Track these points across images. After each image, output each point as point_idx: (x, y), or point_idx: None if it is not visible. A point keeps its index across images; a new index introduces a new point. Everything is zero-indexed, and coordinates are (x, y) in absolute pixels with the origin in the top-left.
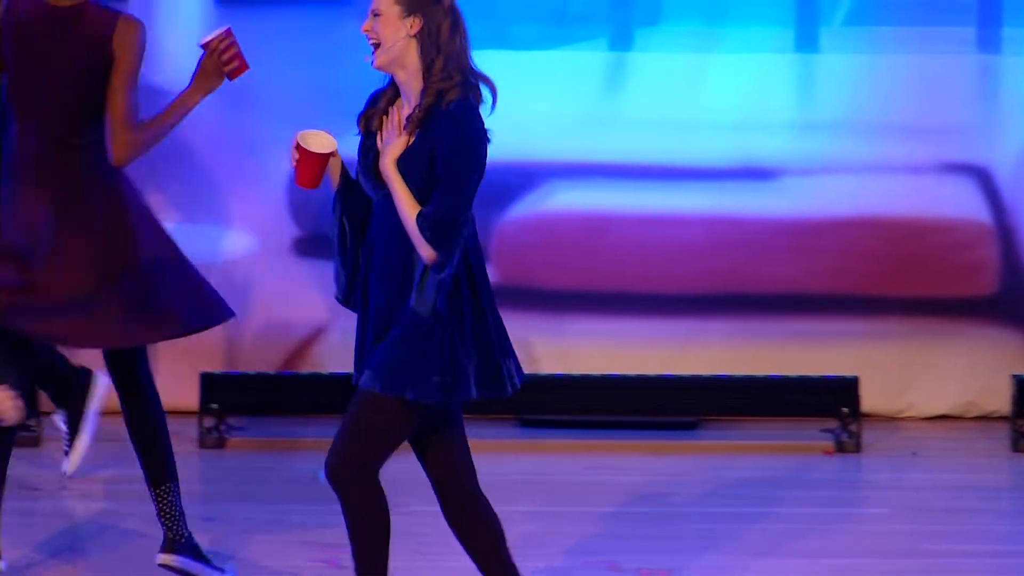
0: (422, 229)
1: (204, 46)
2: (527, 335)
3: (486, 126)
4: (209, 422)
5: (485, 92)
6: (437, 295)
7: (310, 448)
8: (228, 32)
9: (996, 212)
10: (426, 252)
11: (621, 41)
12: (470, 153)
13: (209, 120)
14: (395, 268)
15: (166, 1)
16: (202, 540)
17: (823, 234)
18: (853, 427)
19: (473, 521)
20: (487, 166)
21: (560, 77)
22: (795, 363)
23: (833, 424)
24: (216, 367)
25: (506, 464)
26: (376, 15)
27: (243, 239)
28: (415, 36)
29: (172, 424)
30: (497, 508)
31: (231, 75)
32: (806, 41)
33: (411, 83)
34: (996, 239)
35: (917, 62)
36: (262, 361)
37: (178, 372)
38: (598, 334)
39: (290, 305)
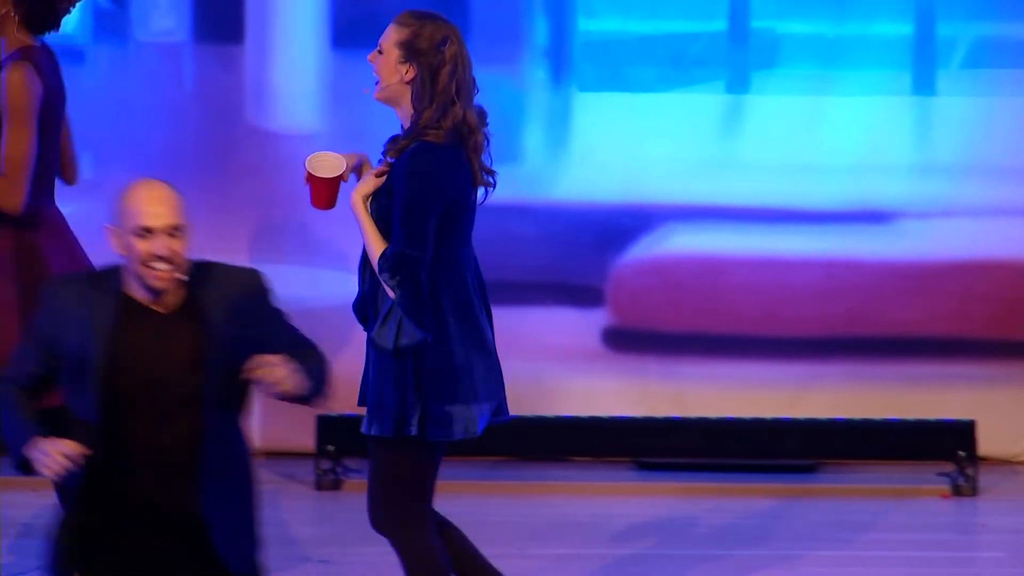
0: (379, 266)
1: None
2: (643, 377)
3: (450, 168)
4: (325, 464)
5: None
6: (400, 331)
7: None
8: None
9: None
10: (387, 288)
11: (738, 84)
12: (416, 191)
13: (302, 154)
14: (368, 300)
15: (281, 45)
16: None
17: (941, 277)
18: (970, 471)
19: None
20: (605, 207)
21: (677, 119)
22: (911, 406)
23: (950, 468)
24: (333, 409)
25: (621, 507)
26: (380, 52)
27: (343, 281)
28: (408, 83)
29: (289, 466)
30: (610, 551)
31: None
32: (923, 84)
33: (406, 122)
34: None
35: None
36: None
37: (295, 414)
38: (715, 377)
39: None
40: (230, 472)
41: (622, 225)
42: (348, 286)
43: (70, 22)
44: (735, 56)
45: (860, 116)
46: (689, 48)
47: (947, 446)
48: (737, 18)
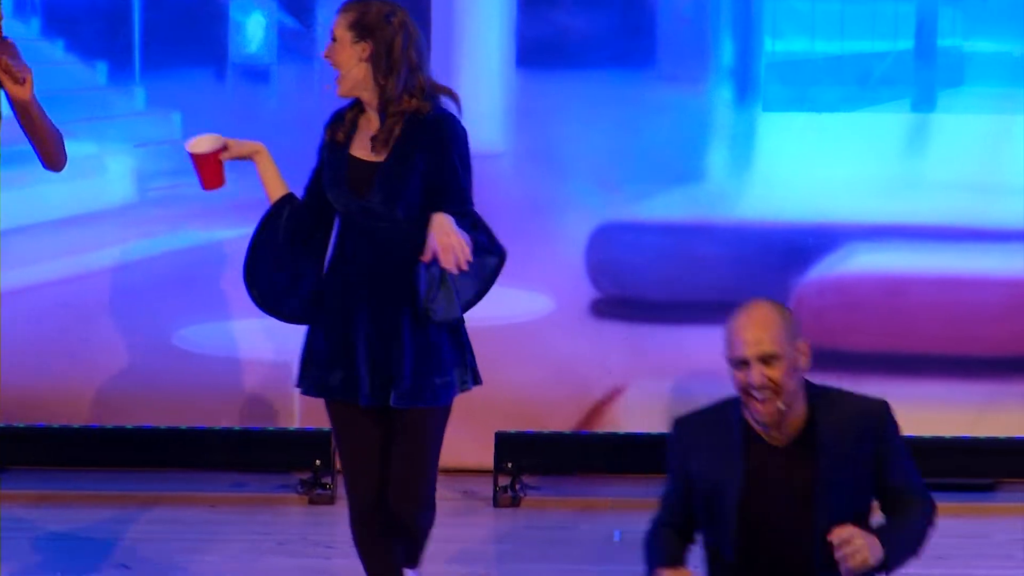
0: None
1: None
2: None
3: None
4: (504, 481)
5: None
6: (457, 295)
7: (605, 508)
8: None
9: None
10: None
11: (924, 102)
12: (467, 154)
13: (510, 183)
14: (390, 279)
15: (466, 66)
16: None
17: None
18: None
19: None
20: (788, 226)
21: (862, 139)
22: None
23: None
24: (512, 427)
25: None
26: (334, 40)
27: (541, 300)
28: (368, 60)
29: (468, 483)
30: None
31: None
32: None
33: (374, 103)
34: None
35: None
36: (557, 421)
37: (474, 431)
38: (896, 395)
39: (588, 365)
40: None
41: (804, 244)
42: (528, 304)
43: (255, 42)
44: (921, 75)
45: None
46: (875, 67)
47: None
48: (924, 37)
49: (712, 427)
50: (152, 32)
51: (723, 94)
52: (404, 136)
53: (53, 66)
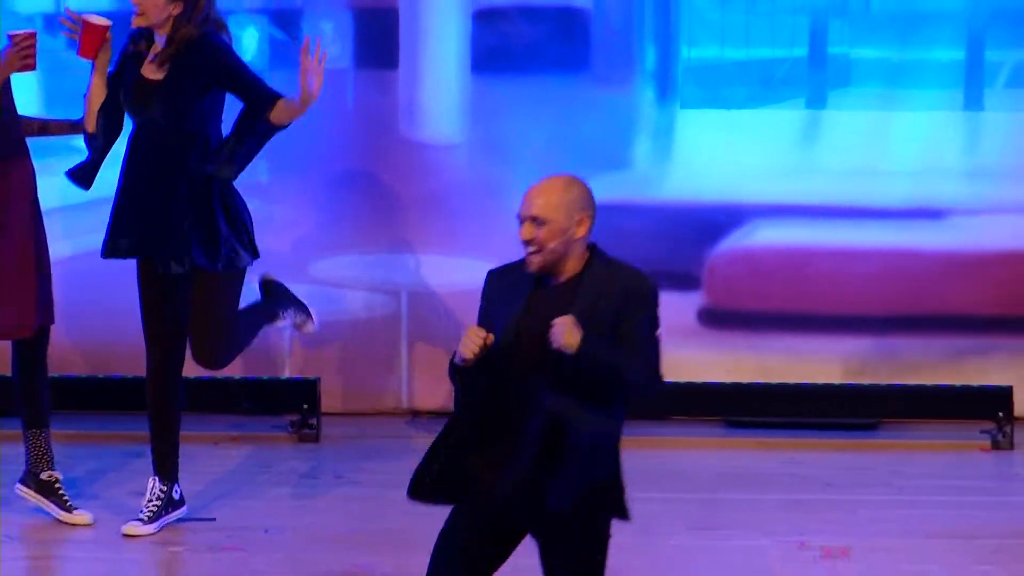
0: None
1: (11, 37)
2: (733, 350)
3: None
4: None
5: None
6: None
7: None
8: (33, 34)
9: None
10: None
11: (817, 101)
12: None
13: (466, 170)
14: (162, 185)
15: (429, 71)
16: None
17: (986, 265)
18: (1007, 429)
19: None
20: (702, 206)
21: (764, 132)
22: (959, 374)
23: (990, 426)
24: None
25: (713, 459)
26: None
27: (480, 268)
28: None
29: (443, 421)
30: (704, 496)
31: (23, 69)
32: (973, 101)
33: (162, 32)
34: None
35: None
36: None
37: (444, 377)
38: (793, 350)
39: None
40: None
41: (716, 221)
42: (481, 272)
43: (249, 52)
44: (814, 77)
45: (919, 128)
46: (776, 71)
47: (988, 408)
48: (816, 45)
49: (514, 274)
50: None
51: (647, 94)
52: (204, 48)
53: (85, 74)
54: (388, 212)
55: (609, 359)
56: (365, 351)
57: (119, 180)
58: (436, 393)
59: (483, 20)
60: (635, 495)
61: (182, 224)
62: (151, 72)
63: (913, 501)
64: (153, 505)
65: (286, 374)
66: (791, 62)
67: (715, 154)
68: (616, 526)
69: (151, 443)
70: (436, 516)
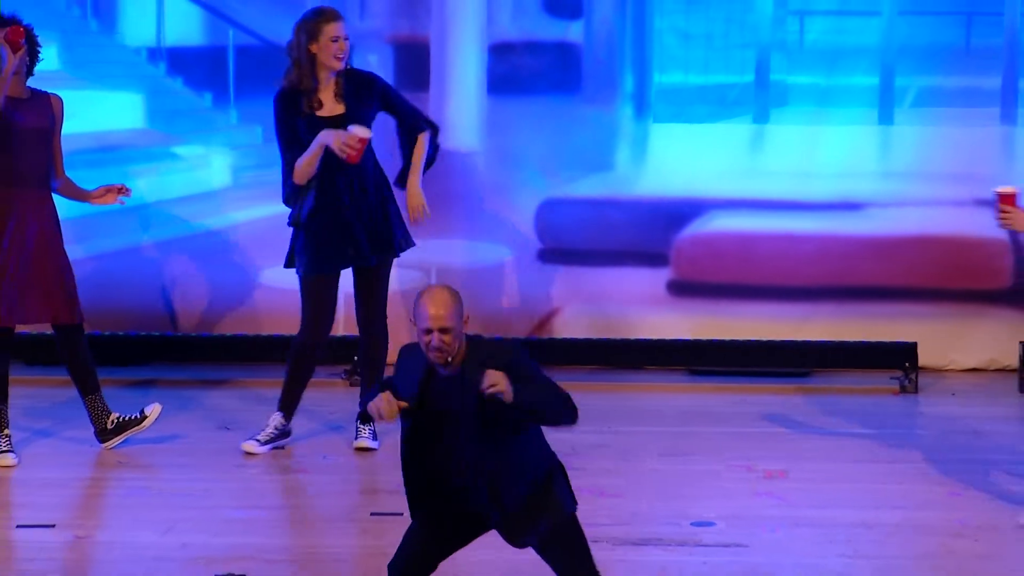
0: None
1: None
2: (695, 313)
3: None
4: None
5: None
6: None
7: None
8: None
9: (1011, 232)
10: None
11: (761, 117)
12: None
13: (483, 172)
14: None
15: (454, 92)
16: None
17: (896, 247)
18: (912, 376)
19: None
20: (670, 200)
21: (720, 141)
22: (875, 332)
23: (899, 374)
24: (485, 333)
25: (678, 400)
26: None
27: (504, 250)
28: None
29: None
30: (672, 429)
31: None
32: (885, 117)
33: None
34: (1010, 251)
35: (963, 132)
36: (516, 330)
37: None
38: (744, 313)
39: (535, 294)
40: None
41: (681, 212)
42: (494, 253)
43: None
44: (759, 98)
45: (843, 139)
46: (728, 93)
47: (897, 360)
48: (761, 73)
49: (416, 355)
50: (242, 71)
51: (626, 111)
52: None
53: (174, 95)
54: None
55: (536, 398)
56: (402, 315)
57: (311, 206)
58: None
59: (497, 53)
60: (618, 429)
61: (390, 220)
62: (329, 111)
63: (837, 433)
64: (270, 431)
65: (340, 333)
66: (741, 86)
67: (681, 159)
68: (601, 452)
69: (283, 388)
70: None
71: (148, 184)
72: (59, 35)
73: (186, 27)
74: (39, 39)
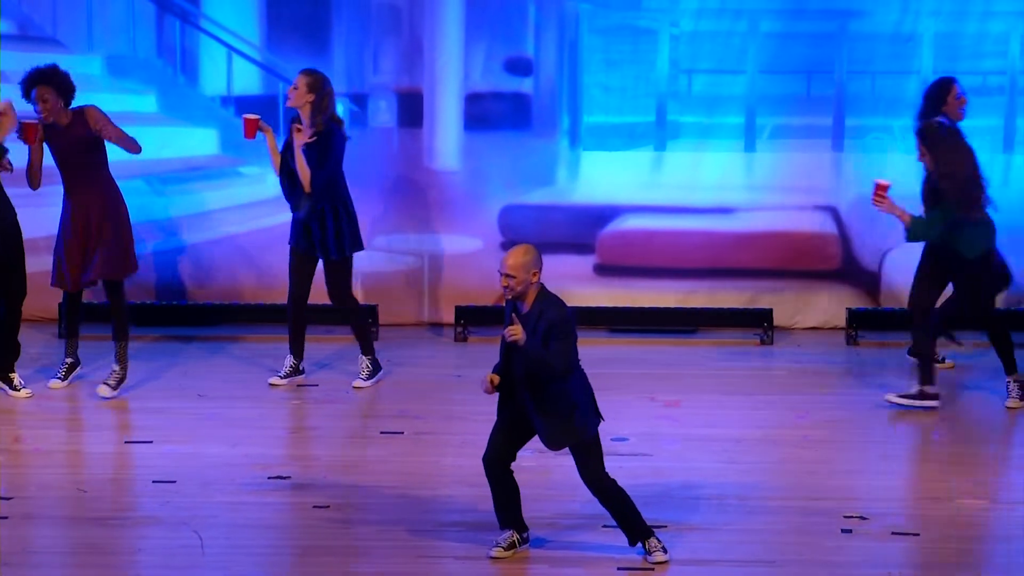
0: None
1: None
2: (614, 288)
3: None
4: (459, 329)
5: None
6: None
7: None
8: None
9: (841, 228)
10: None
11: (660, 146)
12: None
13: (461, 186)
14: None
15: (440, 128)
16: None
17: (760, 240)
18: (769, 333)
19: None
20: (596, 206)
21: (632, 164)
22: (743, 300)
23: (760, 331)
24: (462, 302)
25: (602, 351)
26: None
27: (475, 241)
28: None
29: (441, 330)
30: (597, 371)
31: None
32: (750, 145)
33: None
34: (839, 242)
35: (805, 156)
36: (484, 299)
37: (445, 306)
38: (650, 287)
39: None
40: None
41: (604, 215)
42: (469, 244)
43: (345, 116)
44: (659, 133)
45: (719, 161)
46: (637, 129)
47: (759, 320)
48: (660, 114)
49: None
50: (288, 112)
51: (564, 142)
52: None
53: (240, 130)
54: (416, 209)
55: (539, 355)
56: (403, 288)
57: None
58: (442, 312)
59: (471, 100)
60: None
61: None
62: (303, 140)
63: (714, 373)
64: (367, 370)
65: (361, 301)
66: (645, 124)
67: (603, 177)
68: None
69: (359, 340)
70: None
71: (220, 195)
72: (156, 87)
73: (248, 81)
74: (72, 81)
